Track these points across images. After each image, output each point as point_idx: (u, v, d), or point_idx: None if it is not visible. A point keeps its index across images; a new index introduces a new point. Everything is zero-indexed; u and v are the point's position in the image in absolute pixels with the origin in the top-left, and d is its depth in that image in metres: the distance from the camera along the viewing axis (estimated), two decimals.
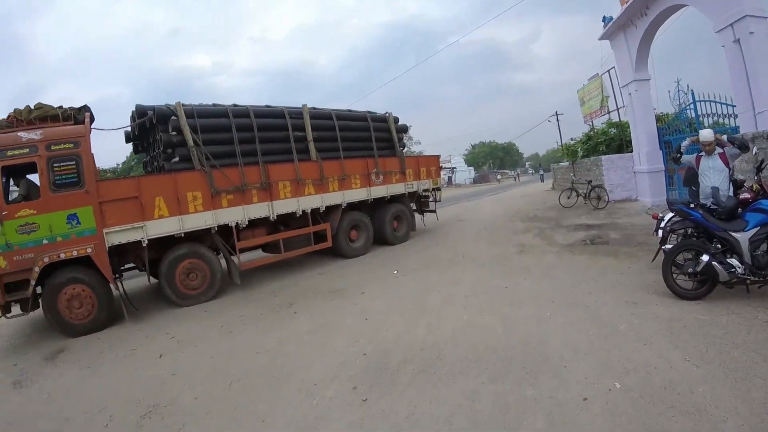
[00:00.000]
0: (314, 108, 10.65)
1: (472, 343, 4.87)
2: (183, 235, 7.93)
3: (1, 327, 8.01)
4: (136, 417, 4.10)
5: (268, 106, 10.04)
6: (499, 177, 74.27)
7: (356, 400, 3.91)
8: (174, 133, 8.26)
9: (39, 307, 7.11)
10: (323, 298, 7.49)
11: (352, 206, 11.02)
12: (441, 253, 10.27)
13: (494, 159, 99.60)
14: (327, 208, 10.27)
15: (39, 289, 6.92)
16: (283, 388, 4.32)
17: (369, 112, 12.24)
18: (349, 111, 12.01)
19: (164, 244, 7.90)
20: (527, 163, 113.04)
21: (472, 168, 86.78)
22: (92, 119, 7.64)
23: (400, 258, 10.27)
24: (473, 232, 13.18)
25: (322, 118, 10.69)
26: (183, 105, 8.36)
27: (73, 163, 6.95)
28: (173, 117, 8.25)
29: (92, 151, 7.23)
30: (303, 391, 4.21)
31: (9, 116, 7.14)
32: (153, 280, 8.15)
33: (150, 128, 8.80)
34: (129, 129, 9.27)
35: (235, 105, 9.43)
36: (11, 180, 7.51)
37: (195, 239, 8.26)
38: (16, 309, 7.08)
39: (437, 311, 6.12)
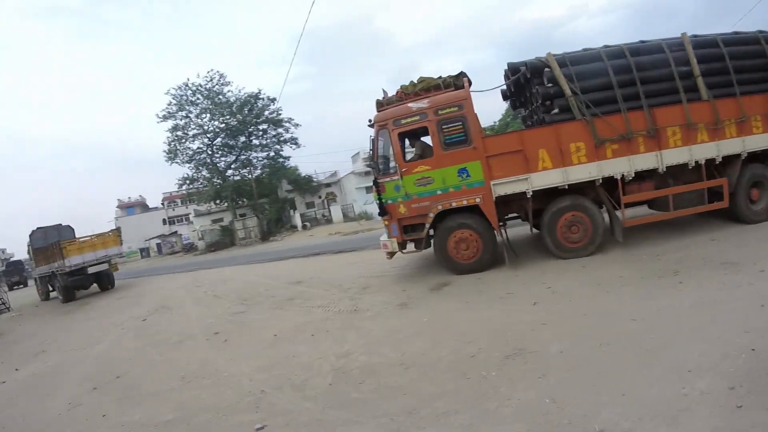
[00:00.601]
0: (694, 36, 8.46)
1: None
2: (567, 187, 7.82)
3: (398, 260, 9.97)
4: (501, 355, 4.32)
5: (642, 42, 8.57)
6: None
7: (729, 403, 2.99)
8: (550, 84, 8.08)
9: (430, 246, 8.56)
10: (713, 270, 6.01)
11: (753, 157, 8.41)
12: None
13: None
14: (723, 159, 8.19)
15: (431, 232, 8.28)
16: (653, 365, 3.69)
17: (761, 32, 8.77)
18: (736, 34, 8.94)
19: (547, 195, 8.02)
20: None
21: None
22: (470, 83, 8.36)
23: None
24: None
25: (706, 46, 8.34)
26: (554, 55, 8.10)
27: (460, 123, 7.84)
28: (546, 69, 8.08)
29: (475, 112, 7.95)
30: (673, 374, 3.48)
31: (397, 92, 8.60)
32: (535, 230, 8.53)
33: (525, 83, 8.94)
34: (504, 87, 9.73)
35: (606, 46, 8.49)
36: (406, 143, 9.06)
37: (578, 191, 8.03)
38: (410, 246, 8.73)
39: None
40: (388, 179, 8.32)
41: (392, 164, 8.41)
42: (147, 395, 5.73)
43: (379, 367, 4.75)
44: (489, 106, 62.31)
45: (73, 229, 21.04)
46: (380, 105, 8.59)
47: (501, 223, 8.37)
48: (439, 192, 8.00)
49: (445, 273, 8.29)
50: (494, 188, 7.79)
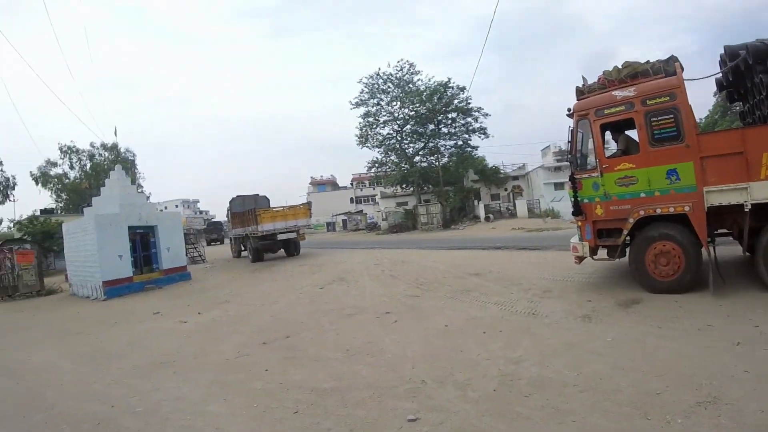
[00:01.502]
0: None
1: None
2: None
3: (586, 266, 9.15)
4: (693, 400, 3.75)
5: None
6: None
7: None
8: None
9: (625, 255, 7.67)
10: None
11: None
12: None
13: None
14: None
15: (628, 239, 7.41)
16: None
17: None
18: None
19: None
20: None
21: None
22: (682, 69, 7.15)
23: None
24: None
25: None
26: None
27: (671, 116, 6.81)
28: None
29: (689, 103, 6.84)
30: None
31: (600, 79, 7.72)
32: (748, 253, 6.98)
33: (745, 71, 7.36)
34: (720, 75, 8.15)
35: None
36: (607, 136, 8.19)
37: None
38: (602, 253, 7.98)
39: None
40: (586, 176, 7.70)
41: (591, 159, 7.75)
42: (310, 360, 6.14)
43: (550, 382, 4.55)
44: (697, 99, 52.22)
45: (268, 199, 24.53)
46: (580, 93, 7.96)
47: (710, 240, 7.04)
48: (642, 195, 7.13)
49: (636, 288, 7.40)
50: (707, 196, 6.61)
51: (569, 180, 7.87)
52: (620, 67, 7.57)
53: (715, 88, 8.77)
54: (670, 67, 7.17)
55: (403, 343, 6.39)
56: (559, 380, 4.56)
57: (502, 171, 43.94)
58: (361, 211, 60.38)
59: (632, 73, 7.38)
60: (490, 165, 43.45)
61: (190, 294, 13.96)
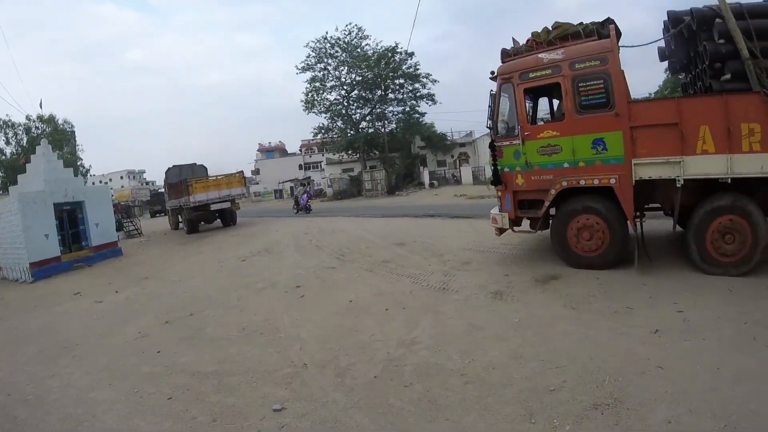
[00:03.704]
0: None
1: None
2: (729, 181, 5.82)
3: (512, 236, 8.49)
4: (589, 401, 3.16)
5: None
6: None
7: None
8: (721, 41, 6.06)
9: (547, 228, 7.11)
10: None
11: None
12: None
13: None
14: None
15: (551, 212, 6.87)
16: None
17: None
18: None
19: (702, 188, 6.08)
20: None
21: None
22: (618, 34, 6.53)
23: None
24: None
25: None
26: (729, 3, 5.95)
27: (601, 81, 6.15)
28: (718, 19, 6.02)
29: (621, 69, 6.21)
30: None
31: (528, 41, 7.02)
32: (679, 228, 6.53)
33: (689, 38, 6.81)
34: (662, 43, 7.58)
35: None
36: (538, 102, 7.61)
37: (742, 189, 5.96)
38: (525, 225, 7.41)
39: None
40: (507, 143, 7.02)
41: (513, 126, 7.02)
42: (204, 340, 5.84)
43: (436, 371, 3.95)
44: (642, 77, 53.19)
45: (206, 168, 22.91)
46: (506, 55, 7.17)
47: (637, 214, 6.53)
48: (566, 165, 6.50)
49: (558, 263, 6.84)
50: (635, 169, 6.03)
51: (489, 147, 7.22)
52: (550, 28, 6.82)
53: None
54: (604, 29, 6.45)
55: (300, 321, 6.04)
56: (448, 368, 3.98)
57: (449, 138, 43.43)
58: (309, 177, 58.84)
59: (563, 35, 6.64)
60: (438, 132, 42.89)
61: (115, 271, 13.09)
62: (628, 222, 6.27)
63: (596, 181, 6.27)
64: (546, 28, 6.83)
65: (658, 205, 6.94)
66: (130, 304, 8.56)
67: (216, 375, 4.67)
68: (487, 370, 3.78)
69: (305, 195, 26.28)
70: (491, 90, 7.20)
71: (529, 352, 4.05)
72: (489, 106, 7.22)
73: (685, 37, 6.91)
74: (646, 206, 6.87)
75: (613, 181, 6.13)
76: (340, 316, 5.97)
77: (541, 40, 6.79)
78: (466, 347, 4.34)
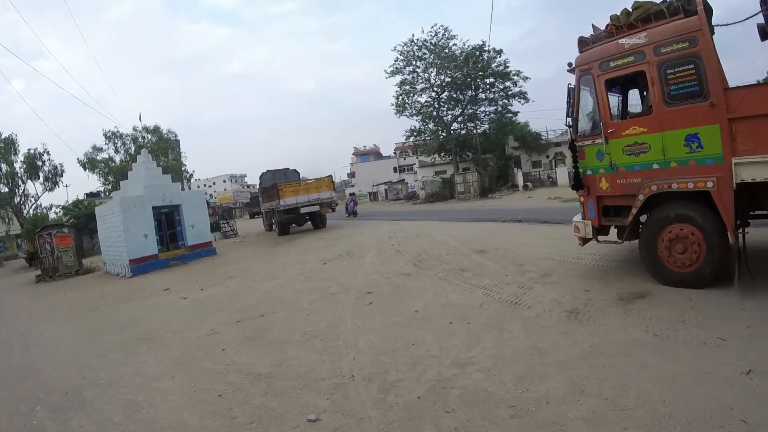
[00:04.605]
0: None
1: None
2: None
3: (597, 246, 7.56)
4: None
5: None
6: None
7: None
8: None
9: (636, 238, 6.30)
10: None
11: None
12: None
13: None
14: None
15: (642, 219, 6.09)
16: None
17: None
18: None
19: None
20: None
21: None
22: (709, 11, 5.58)
23: None
24: None
25: None
26: None
27: (691, 66, 5.29)
28: None
29: (715, 50, 5.31)
30: None
31: (607, 26, 6.27)
32: None
33: None
34: (762, 18, 6.36)
35: None
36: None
37: None
38: (614, 234, 6.60)
39: None
40: (589, 142, 6.39)
41: (595, 123, 6.36)
42: (267, 342, 6.09)
43: (484, 398, 3.67)
44: (743, 64, 45.23)
45: (298, 173, 24.09)
46: (584, 44, 6.54)
47: (739, 223, 5.50)
48: (655, 166, 5.71)
49: (648, 278, 6.04)
50: (736, 169, 5.08)
51: (569, 148, 6.57)
52: (630, 9, 6.01)
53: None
54: (691, 6, 5.54)
55: (362, 329, 6.01)
56: (497, 396, 3.68)
57: (543, 137, 41.15)
58: (403, 180, 59.27)
59: (645, 16, 5.83)
60: (533, 131, 40.90)
61: (206, 270, 14.24)
62: (728, 232, 5.32)
63: (690, 185, 5.42)
64: (625, 9, 6.05)
65: (765, 212, 5.91)
66: (211, 301, 9.21)
67: (267, 378, 4.80)
68: (539, 405, 3.41)
69: (351, 203, 30.26)
70: (569, 84, 6.59)
71: (594, 387, 3.58)
72: (567, 102, 6.60)
73: None
74: (751, 213, 5.88)
75: (710, 184, 5.26)
76: (402, 327, 5.85)
77: (621, 24, 6.04)
78: (524, 373, 3.98)
